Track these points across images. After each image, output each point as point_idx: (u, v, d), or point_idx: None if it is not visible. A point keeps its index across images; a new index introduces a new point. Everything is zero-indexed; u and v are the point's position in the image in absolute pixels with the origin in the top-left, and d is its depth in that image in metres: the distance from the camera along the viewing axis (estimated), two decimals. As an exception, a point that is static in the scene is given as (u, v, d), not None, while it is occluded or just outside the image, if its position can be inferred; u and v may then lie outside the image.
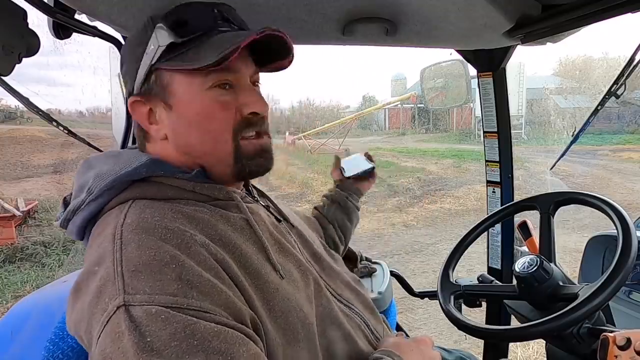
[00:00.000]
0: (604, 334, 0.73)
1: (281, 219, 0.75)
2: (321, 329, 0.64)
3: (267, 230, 0.67)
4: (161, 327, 0.45)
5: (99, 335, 0.48)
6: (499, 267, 1.51)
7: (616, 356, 0.70)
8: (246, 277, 0.57)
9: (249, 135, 0.66)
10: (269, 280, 0.59)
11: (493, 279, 1.04)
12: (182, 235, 0.54)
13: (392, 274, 1.41)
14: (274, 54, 0.68)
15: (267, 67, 0.71)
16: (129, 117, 1.13)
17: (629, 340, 0.70)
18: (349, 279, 0.81)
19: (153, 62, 0.62)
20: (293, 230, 0.77)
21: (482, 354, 1.54)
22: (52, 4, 0.79)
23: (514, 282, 0.91)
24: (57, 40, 0.89)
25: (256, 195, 0.77)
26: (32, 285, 4.53)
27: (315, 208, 1.12)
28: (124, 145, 1.15)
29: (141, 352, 0.44)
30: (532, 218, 1.11)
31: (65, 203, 0.65)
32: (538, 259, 0.87)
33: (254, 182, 0.79)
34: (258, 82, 0.70)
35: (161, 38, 0.61)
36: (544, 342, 0.98)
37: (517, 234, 1.36)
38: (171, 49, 0.61)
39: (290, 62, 0.70)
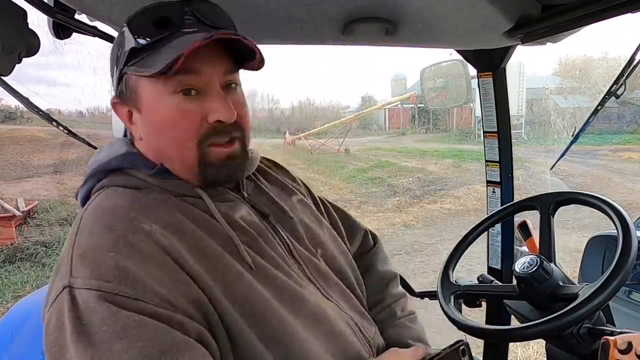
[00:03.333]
0: (605, 337, 0.72)
1: (268, 214, 0.73)
2: (302, 324, 0.63)
3: (239, 226, 0.66)
4: (92, 312, 0.50)
5: (48, 310, 0.53)
6: (499, 267, 1.51)
7: None
8: (201, 264, 0.58)
9: (219, 142, 0.64)
10: (232, 269, 0.60)
11: (493, 279, 1.04)
12: (129, 224, 0.57)
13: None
14: (248, 54, 0.63)
15: (243, 66, 0.67)
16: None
17: (630, 344, 0.69)
18: (339, 280, 0.78)
19: (122, 66, 0.63)
20: (283, 226, 0.74)
21: (482, 354, 1.54)
22: (52, 4, 0.79)
23: (514, 282, 0.91)
24: (57, 40, 0.89)
25: (244, 191, 0.73)
26: (32, 285, 4.53)
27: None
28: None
29: (77, 334, 0.49)
30: (532, 218, 1.11)
31: None
32: (538, 259, 0.87)
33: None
34: (235, 83, 0.67)
35: (127, 42, 0.61)
36: (544, 342, 0.98)
37: (517, 234, 1.36)
38: (134, 53, 0.61)
39: (259, 63, 0.65)
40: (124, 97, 0.65)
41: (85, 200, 0.67)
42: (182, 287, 0.55)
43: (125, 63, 0.62)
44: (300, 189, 0.89)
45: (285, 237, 0.73)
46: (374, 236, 1.01)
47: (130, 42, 0.60)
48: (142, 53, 0.61)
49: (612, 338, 0.71)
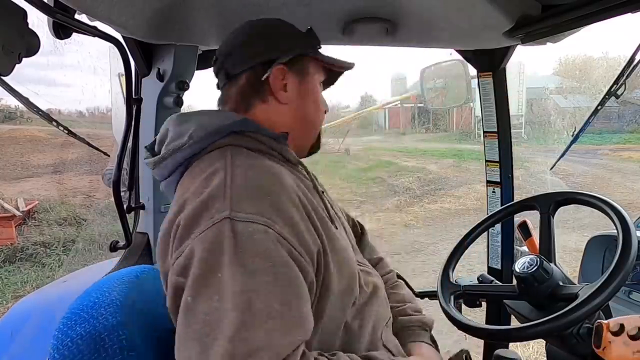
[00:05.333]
0: (599, 321, 0.74)
1: (324, 190, 0.88)
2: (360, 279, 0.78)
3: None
4: (253, 243, 0.58)
5: (201, 234, 0.59)
6: (499, 267, 1.51)
7: (610, 342, 0.72)
8: (317, 221, 0.69)
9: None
10: (330, 228, 0.72)
11: (493, 279, 1.04)
12: (279, 175, 0.67)
13: (392, 273, 1.40)
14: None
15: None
16: (129, 116, 1.13)
17: (622, 326, 0.71)
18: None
19: (306, 52, 0.83)
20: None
21: (482, 354, 1.54)
22: (52, 4, 0.79)
23: (514, 282, 0.91)
24: (57, 40, 0.89)
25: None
26: (32, 285, 4.53)
27: None
28: (124, 144, 1.14)
29: (233, 256, 0.56)
30: (532, 218, 1.11)
31: (151, 150, 0.79)
32: (538, 259, 0.87)
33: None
34: None
35: (314, 40, 0.86)
36: (544, 342, 0.98)
37: (517, 234, 1.36)
38: (314, 48, 0.85)
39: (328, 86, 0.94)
40: (293, 68, 0.81)
41: (190, 157, 0.73)
42: (313, 238, 0.65)
43: (307, 48, 0.83)
44: None
45: (333, 210, 0.86)
46: (362, 226, 1.14)
47: (316, 41, 0.86)
48: (317, 52, 0.85)
49: (605, 321, 0.73)
